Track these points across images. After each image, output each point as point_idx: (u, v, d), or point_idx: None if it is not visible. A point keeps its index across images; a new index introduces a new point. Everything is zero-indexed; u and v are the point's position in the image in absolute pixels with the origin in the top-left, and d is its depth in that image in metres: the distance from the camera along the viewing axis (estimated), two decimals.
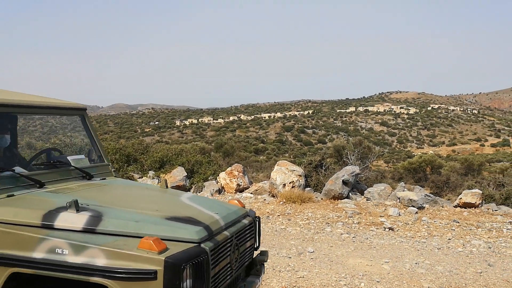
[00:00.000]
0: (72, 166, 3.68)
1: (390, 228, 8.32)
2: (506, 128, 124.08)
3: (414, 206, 9.62)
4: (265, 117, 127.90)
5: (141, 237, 2.53)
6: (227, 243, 2.99)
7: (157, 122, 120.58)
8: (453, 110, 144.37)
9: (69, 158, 3.75)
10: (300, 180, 11.17)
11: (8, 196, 2.97)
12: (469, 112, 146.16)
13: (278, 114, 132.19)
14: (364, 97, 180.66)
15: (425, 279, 5.72)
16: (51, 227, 2.65)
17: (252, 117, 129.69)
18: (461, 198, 10.00)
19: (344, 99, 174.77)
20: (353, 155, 13.81)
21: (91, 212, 2.72)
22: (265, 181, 12.31)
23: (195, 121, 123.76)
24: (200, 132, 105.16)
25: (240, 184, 12.15)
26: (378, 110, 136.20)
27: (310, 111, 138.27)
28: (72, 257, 2.50)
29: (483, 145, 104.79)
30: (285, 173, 11.20)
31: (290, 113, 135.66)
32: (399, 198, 10.09)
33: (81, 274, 2.46)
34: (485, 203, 10.11)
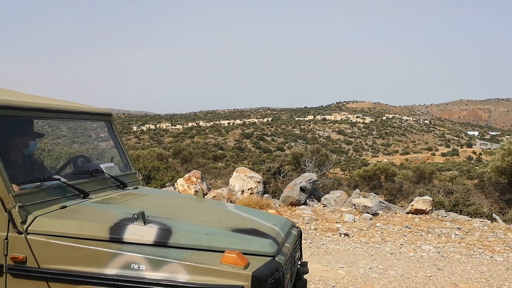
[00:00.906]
0: (108, 174, 3.51)
1: (345, 234, 8.50)
2: (455, 138, 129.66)
3: (368, 213, 9.88)
4: (224, 124, 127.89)
5: (215, 251, 2.45)
6: (289, 256, 2.88)
7: None
8: (406, 120, 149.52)
9: (101, 166, 3.56)
10: (259, 187, 11.23)
11: (62, 207, 2.76)
12: (421, 122, 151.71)
13: (238, 121, 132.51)
14: (322, 106, 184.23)
15: (378, 283, 5.89)
16: (120, 241, 2.47)
17: (211, 123, 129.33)
18: (413, 205, 10.36)
19: (303, 108, 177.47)
20: (310, 163, 14.05)
21: (158, 225, 2.55)
22: (224, 188, 12.31)
23: (152, 126, 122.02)
24: (157, 138, 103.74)
25: (198, 190, 12.08)
26: (335, 119, 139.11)
27: (269, 119, 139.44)
28: (150, 273, 2.35)
29: (434, 154, 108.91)
30: (243, 180, 11.24)
31: (249, 120, 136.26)
32: (354, 205, 10.34)
33: None
34: (435, 210, 10.52)
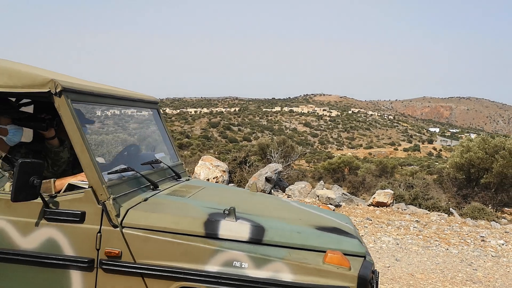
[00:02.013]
0: (167, 165, 3.38)
1: None
2: (417, 134, 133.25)
3: (331, 204, 10.05)
4: (191, 112, 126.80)
5: (309, 250, 2.40)
6: None
7: None
8: (371, 115, 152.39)
9: (156, 156, 3.42)
10: (224, 176, 11.22)
11: (144, 200, 2.63)
12: (385, 117, 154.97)
13: (205, 110, 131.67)
14: (289, 97, 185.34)
15: None
16: (215, 237, 2.39)
17: (178, 111, 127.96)
18: (374, 198, 10.60)
19: (270, 99, 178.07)
20: (276, 153, 14.11)
21: (248, 221, 2.48)
22: (189, 176, 12.22)
23: (118, 112, 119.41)
24: (122, 124, 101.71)
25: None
26: (302, 111, 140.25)
27: (237, 109, 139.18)
28: (253, 271, 2.28)
29: (397, 149, 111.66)
30: (209, 168, 11.19)
31: (216, 109, 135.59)
32: (318, 196, 10.49)
33: None
34: (395, 203, 10.81)
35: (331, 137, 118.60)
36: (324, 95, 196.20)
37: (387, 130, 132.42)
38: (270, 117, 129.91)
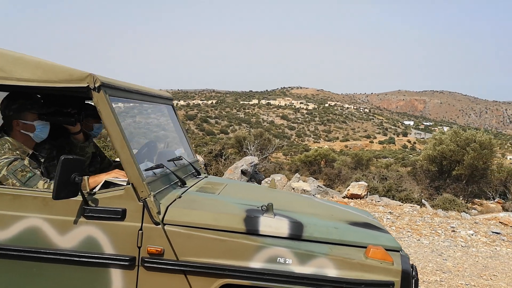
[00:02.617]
0: (188, 162, 3.31)
1: None
2: (392, 127, 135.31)
3: None
4: None
5: (347, 245, 2.39)
6: None
7: None
8: (347, 108, 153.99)
9: (176, 152, 3.36)
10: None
11: (179, 197, 2.56)
12: (361, 110, 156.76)
13: (181, 102, 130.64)
14: (267, 90, 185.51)
15: None
16: (256, 233, 2.35)
17: None
18: (349, 190, 10.73)
19: (248, 91, 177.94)
20: (253, 146, 14.12)
21: (285, 217, 2.45)
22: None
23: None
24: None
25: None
26: (280, 104, 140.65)
27: (214, 101, 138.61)
28: (298, 267, 2.25)
29: (372, 142, 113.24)
30: None
31: (193, 101, 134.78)
32: (293, 188, 10.55)
33: (309, 285, 2.23)
34: (369, 195, 10.96)
35: (308, 130, 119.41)
36: (301, 88, 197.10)
37: (363, 123, 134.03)
38: (248, 110, 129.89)
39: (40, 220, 2.31)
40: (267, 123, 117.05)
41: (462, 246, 7.25)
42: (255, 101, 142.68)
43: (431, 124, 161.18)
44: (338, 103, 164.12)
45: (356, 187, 10.68)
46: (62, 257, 2.28)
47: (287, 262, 2.26)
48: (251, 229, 2.35)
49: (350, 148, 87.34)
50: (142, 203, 2.30)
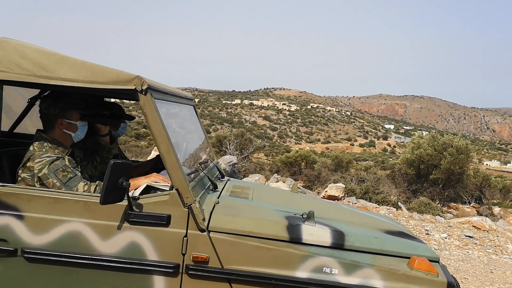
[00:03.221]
0: (213, 164, 3.23)
1: None
2: (373, 130, 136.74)
3: None
4: None
5: (387, 255, 2.36)
6: None
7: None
8: (329, 110, 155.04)
9: (201, 155, 3.29)
10: None
11: (217, 202, 2.49)
12: (343, 113, 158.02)
13: None
14: (250, 90, 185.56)
15: None
16: (299, 242, 2.31)
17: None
18: (326, 191, 10.77)
19: (231, 91, 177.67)
20: (232, 145, 14.08)
21: (326, 226, 2.41)
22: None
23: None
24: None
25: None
26: (262, 105, 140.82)
27: (196, 100, 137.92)
28: (344, 277, 2.22)
29: (353, 145, 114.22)
30: None
31: None
32: None
33: None
34: (347, 196, 11.02)
35: (290, 131, 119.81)
36: (284, 89, 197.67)
37: (344, 125, 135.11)
38: (230, 110, 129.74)
39: (82, 224, 2.24)
40: (249, 123, 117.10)
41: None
42: (237, 101, 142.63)
43: (411, 128, 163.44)
44: (320, 105, 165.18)
45: (334, 189, 10.73)
46: (104, 263, 2.22)
47: (333, 272, 2.24)
48: (294, 238, 2.31)
49: (331, 150, 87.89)
50: (187, 209, 2.25)
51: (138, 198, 2.29)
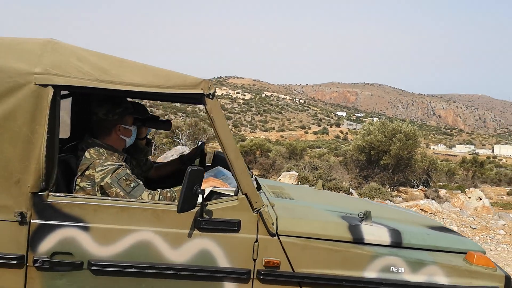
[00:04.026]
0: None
1: None
2: (326, 118, 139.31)
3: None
4: None
5: (443, 251, 2.41)
6: None
7: None
8: (283, 98, 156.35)
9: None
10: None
11: (273, 205, 2.42)
12: (297, 101, 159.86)
13: None
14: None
15: None
16: (362, 242, 2.30)
17: None
18: (280, 179, 10.82)
19: None
20: (184, 136, 13.87)
21: (382, 225, 2.43)
22: None
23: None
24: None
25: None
26: (216, 94, 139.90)
27: None
28: (410, 276, 2.24)
29: (307, 132, 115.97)
30: None
31: None
32: None
33: None
34: (300, 184, 11.12)
35: (245, 120, 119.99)
36: (237, 78, 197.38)
37: (298, 113, 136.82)
38: None
39: (151, 233, 2.15)
40: (203, 112, 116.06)
41: None
42: None
43: (362, 115, 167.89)
44: (274, 93, 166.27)
45: (287, 177, 10.80)
46: (175, 272, 2.15)
47: (399, 271, 2.25)
48: (357, 238, 2.31)
49: (285, 139, 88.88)
50: (256, 214, 2.22)
51: (207, 205, 2.23)
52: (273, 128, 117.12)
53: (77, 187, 2.36)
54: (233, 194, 2.33)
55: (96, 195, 2.32)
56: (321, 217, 2.43)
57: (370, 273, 2.24)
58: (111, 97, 2.50)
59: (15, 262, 2.05)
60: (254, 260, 2.21)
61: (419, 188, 20.25)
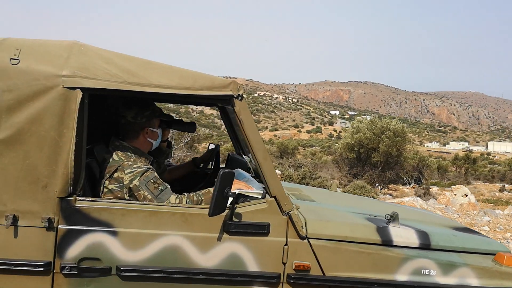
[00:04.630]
0: (252, 166, 3.13)
1: None
2: (319, 116, 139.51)
3: None
4: None
5: (471, 253, 2.38)
6: None
7: None
8: (276, 98, 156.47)
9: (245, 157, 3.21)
10: None
11: (298, 208, 2.35)
12: (290, 100, 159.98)
13: None
14: None
15: None
16: (391, 244, 2.27)
17: None
18: None
19: None
20: (173, 138, 13.64)
21: (409, 227, 2.40)
22: None
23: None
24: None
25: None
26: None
27: None
28: (442, 278, 2.23)
29: (300, 131, 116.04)
30: None
31: None
32: None
33: None
34: (285, 182, 10.96)
35: None
36: (230, 77, 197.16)
37: (291, 112, 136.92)
38: None
39: (180, 237, 2.12)
40: (196, 112, 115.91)
41: None
42: None
43: (356, 113, 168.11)
44: (267, 93, 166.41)
45: None
46: (204, 277, 2.13)
47: (431, 273, 2.23)
48: (386, 240, 2.28)
49: (279, 138, 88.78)
50: (286, 217, 2.19)
51: (236, 208, 2.19)
52: (266, 128, 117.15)
53: (105, 189, 2.31)
54: (260, 196, 2.28)
55: (124, 198, 2.28)
56: (348, 219, 2.40)
57: (402, 276, 2.21)
58: (139, 100, 2.46)
59: (42, 269, 2.01)
60: (284, 263, 2.18)
61: (411, 185, 20.14)
